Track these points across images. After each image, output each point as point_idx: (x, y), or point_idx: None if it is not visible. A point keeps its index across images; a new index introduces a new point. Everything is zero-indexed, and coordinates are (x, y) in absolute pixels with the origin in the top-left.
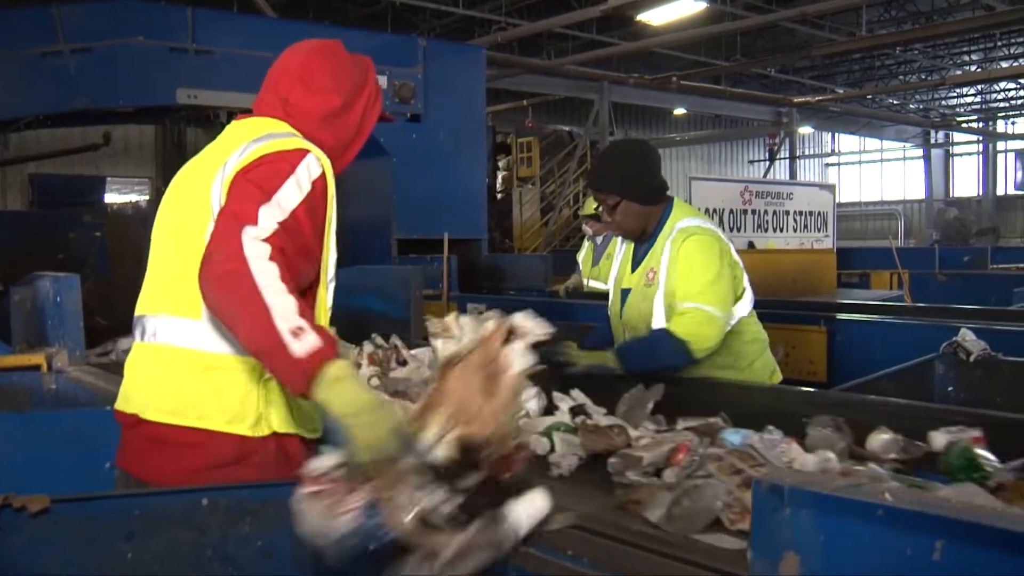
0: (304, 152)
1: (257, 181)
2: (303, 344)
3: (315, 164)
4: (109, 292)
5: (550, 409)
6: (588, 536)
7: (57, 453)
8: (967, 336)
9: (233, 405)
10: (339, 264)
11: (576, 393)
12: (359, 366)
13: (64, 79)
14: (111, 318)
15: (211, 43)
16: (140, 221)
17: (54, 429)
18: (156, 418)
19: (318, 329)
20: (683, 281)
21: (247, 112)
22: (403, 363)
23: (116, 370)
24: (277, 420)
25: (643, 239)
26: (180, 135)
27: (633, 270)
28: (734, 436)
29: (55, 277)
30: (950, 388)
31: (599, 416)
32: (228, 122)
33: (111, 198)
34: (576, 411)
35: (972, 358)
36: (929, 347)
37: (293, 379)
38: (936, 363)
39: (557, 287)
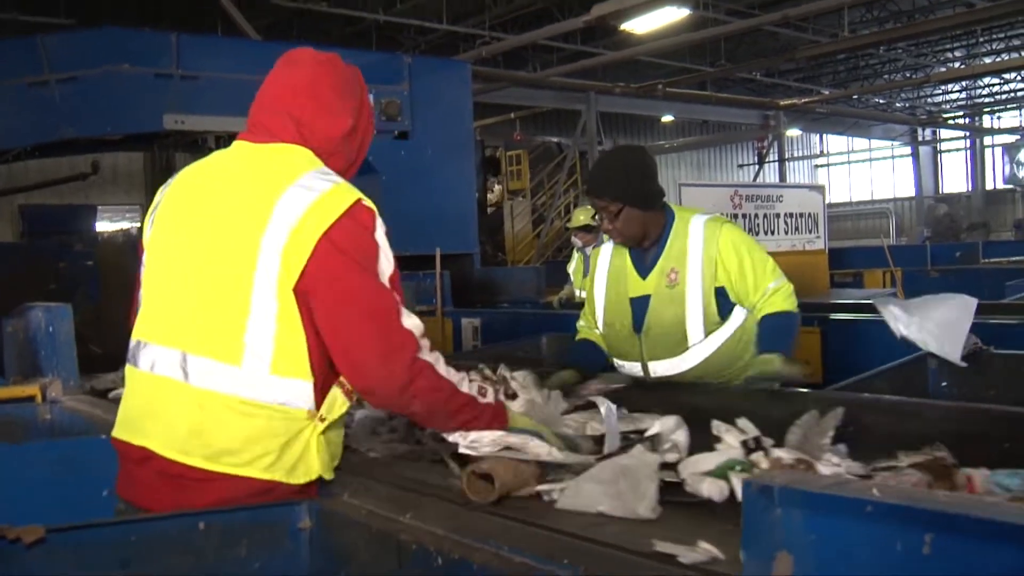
0: (370, 211)
1: (358, 261)
2: (489, 397)
3: (375, 215)
4: (102, 320)
5: (699, 441)
6: None
7: (53, 483)
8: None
9: (273, 452)
10: None
11: (744, 423)
12: None
13: (50, 109)
14: (105, 346)
15: (197, 68)
16: (131, 249)
17: (49, 459)
18: (183, 460)
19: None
20: (756, 265)
21: (250, 130)
22: (512, 396)
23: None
24: (316, 466)
25: (643, 245)
26: (169, 161)
27: (644, 276)
28: (1011, 479)
29: (47, 307)
30: (943, 383)
31: (776, 450)
32: (216, 147)
33: (102, 226)
34: (749, 445)
35: (964, 352)
36: None
37: (492, 423)
38: (929, 359)
39: (551, 298)
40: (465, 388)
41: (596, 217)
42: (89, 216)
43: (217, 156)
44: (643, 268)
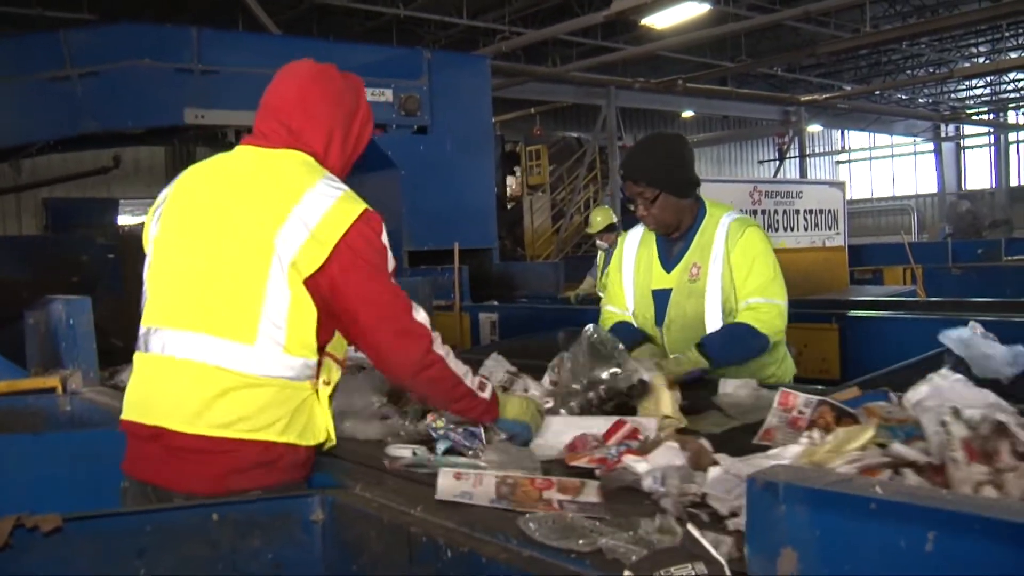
0: (377, 217)
1: (374, 262)
2: (487, 392)
3: (381, 221)
4: (123, 313)
5: None
6: None
7: (72, 473)
8: (976, 328)
9: (284, 417)
10: None
11: None
12: None
13: (72, 103)
14: (126, 339)
15: (217, 62)
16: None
17: (68, 450)
18: (195, 431)
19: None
20: (753, 275)
21: (252, 136)
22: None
23: None
24: (322, 428)
25: (674, 235)
26: (190, 155)
27: (669, 270)
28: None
29: (67, 300)
30: None
31: None
32: (236, 140)
33: (124, 220)
34: None
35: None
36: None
37: (484, 415)
38: (945, 356)
39: (568, 293)
40: (468, 381)
41: (630, 204)
42: (111, 210)
43: (221, 158)
44: (668, 261)
